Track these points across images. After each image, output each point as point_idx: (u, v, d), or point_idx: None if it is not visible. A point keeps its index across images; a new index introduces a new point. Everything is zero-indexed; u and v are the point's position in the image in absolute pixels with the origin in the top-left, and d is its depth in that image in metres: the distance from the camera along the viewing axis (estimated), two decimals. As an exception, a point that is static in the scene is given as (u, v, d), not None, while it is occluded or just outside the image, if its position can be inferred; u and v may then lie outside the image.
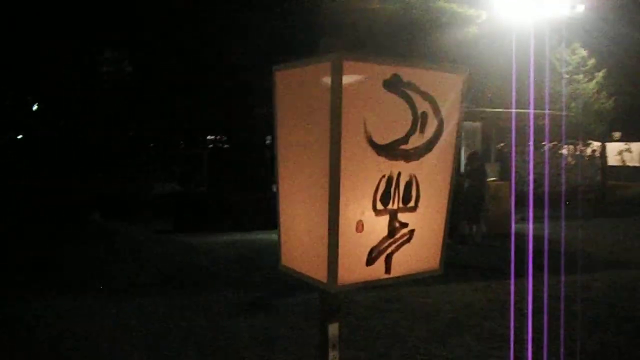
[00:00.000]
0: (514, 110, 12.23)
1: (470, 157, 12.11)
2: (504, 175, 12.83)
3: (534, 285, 8.36)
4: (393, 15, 14.19)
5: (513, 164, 13.02)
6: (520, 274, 8.67)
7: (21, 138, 20.93)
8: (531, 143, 13.59)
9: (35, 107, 22.71)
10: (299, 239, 2.70)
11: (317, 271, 2.50)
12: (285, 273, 2.79)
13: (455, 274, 9.62)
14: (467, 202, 11.53)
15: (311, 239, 2.53)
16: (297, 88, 2.67)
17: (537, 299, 7.60)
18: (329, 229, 2.37)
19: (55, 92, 20.43)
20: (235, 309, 7.73)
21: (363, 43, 13.74)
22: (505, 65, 13.70)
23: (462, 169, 12.07)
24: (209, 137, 17.64)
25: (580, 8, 15.63)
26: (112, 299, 8.09)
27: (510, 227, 12.82)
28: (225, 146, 17.48)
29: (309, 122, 2.53)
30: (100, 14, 16.76)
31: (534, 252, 9.33)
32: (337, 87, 2.24)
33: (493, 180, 12.34)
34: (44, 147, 19.56)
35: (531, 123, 11.32)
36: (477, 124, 12.78)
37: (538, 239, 10.76)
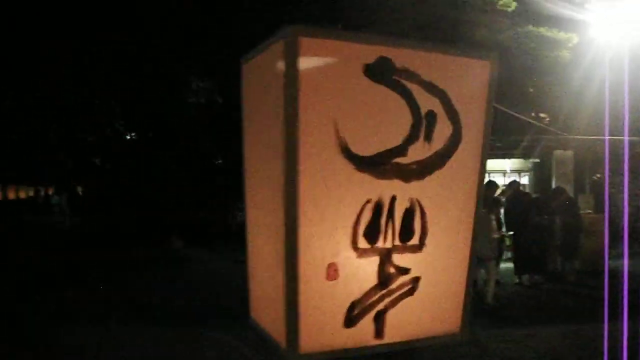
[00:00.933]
0: (607, 137, 10.90)
1: (555, 192, 10.91)
2: (599, 207, 11.43)
3: (629, 330, 7.10)
4: (478, 39, 13.24)
5: (607, 195, 11.59)
6: (615, 316, 7.39)
7: (110, 167, 21.35)
8: (626, 172, 12.12)
9: (128, 137, 23.28)
10: (261, 285, 1.99)
11: (278, 331, 1.77)
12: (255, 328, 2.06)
13: (541, 316, 8.43)
14: (564, 238, 10.31)
15: (272, 287, 1.82)
16: (259, 80, 2.03)
17: (633, 345, 6.38)
18: (285, 274, 1.66)
19: (148, 122, 20.77)
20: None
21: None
22: (601, 90, 12.28)
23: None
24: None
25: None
26: (163, 328, 7.65)
27: (604, 263, 11.46)
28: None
29: (267, 124, 1.85)
30: (190, 45, 16.75)
31: (630, 292, 8.01)
32: (291, 74, 1.55)
33: (587, 214, 10.96)
34: (132, 175, 19.82)
35: (626, 151, 10.00)
36: (569, 153, 11.53)
37: (635, 277, 9.33)
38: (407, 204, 1.73)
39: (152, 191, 18.86)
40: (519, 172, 13.49)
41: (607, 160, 10.92)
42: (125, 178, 20.52)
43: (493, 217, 8.96)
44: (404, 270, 1.75)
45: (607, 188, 12.20)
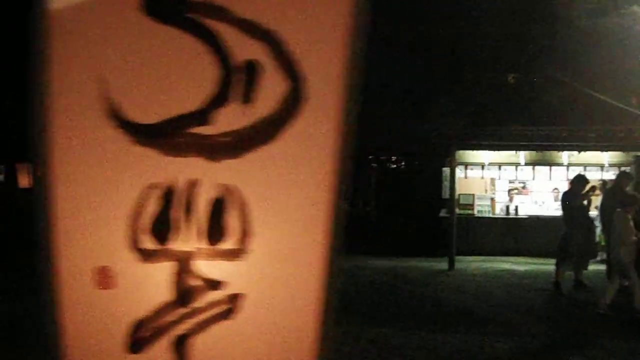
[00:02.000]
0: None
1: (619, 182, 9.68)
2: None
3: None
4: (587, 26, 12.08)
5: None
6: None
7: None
8: None
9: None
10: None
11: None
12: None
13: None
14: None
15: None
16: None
17: None
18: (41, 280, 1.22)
19: None
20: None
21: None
22: None
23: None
24: (381, 157, 16.61)
25: None
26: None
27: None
28: (394, 166, 16.34)
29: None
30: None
31: None
32: (37, 14, 1.11)
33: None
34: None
35: None
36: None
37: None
38: (215, 192, 1.21)
39: None
40: (618, 166, 12.05)
41: None
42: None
43: (630, 216, 7.92)
44: (214, 284, 1.22)
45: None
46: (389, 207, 15.00)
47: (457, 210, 13.16)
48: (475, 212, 13.25)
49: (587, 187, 9.50)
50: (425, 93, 14.67)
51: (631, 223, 7.73)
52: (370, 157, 16.36)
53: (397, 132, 14.36)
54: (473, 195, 13.35)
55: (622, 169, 11.35)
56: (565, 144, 11.82)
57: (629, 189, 9.72)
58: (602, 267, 10.11)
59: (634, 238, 7.71)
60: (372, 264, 12.32)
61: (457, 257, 12.07)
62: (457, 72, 13.75)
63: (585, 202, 9.46)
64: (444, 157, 12.28)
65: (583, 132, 11.51)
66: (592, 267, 10.27)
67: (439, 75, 14.00)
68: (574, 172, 11.30)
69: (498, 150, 12.63)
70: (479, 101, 13.15)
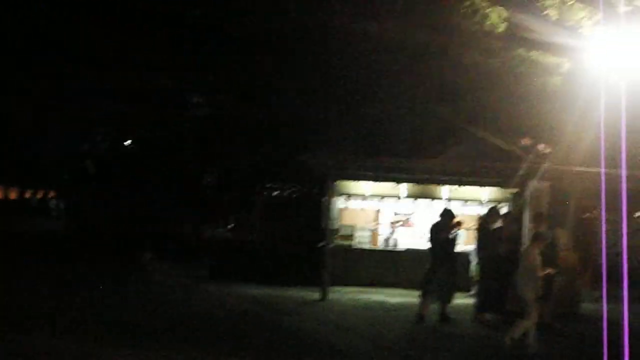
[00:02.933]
0: (594, 169, 9.68)
1: (491, 214, 9.98)
2: (578, 244, 10.25)
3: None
4: (472, 65, 12.24)
5: (603, 231, 10.39)
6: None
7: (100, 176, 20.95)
8: (624, 207, 10.83)
9: (127, 143, 23.03)
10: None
11: None
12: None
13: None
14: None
15: None
16: None
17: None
18: None
19: (146, 131, 20.62)
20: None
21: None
22: (598, 120, 11.00)
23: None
24: (267, 185, 16.40)
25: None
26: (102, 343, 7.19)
27: (580, 306, 10.23)
28: (276, 193, 16.15)
29: None
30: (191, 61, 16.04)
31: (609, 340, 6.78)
32: None
33: (561, 250, 9.68)
34: (119, 186, 19.47)
35: (623, 184, 8.78)
36: (545, 184, 10.32)
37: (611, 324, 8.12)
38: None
39: (134, 203, 18.73)
40: (497, 202, 12.37)
41: (603, 194, 9.73)
42: (112, 188, 20.27)
43: (537, 251, 7.86)
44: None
45: (603, 224, 10.96)
46: (272, 236, 14.77)
47: (337, 241, 13.07)
48: (355, 243, 13.18)
49: (454, 222, 9.58)
50: (314, 123, 14.62)
51: (539, 259, 7.68)
52: (256, 185, 16.14)
53: (281, 162, 14.23)
54: (353, 226, 13.32)
55: (497, 205, 11.55)
56: (443, 177, 11.97)
57: (499, 224, 9.88)
58: (472, 300, 10.17)
59: (541, 274, 7.66)
60: (247, 292, 12.03)
61: (335, 288, 11.92)
62: (344, 104, 13.76)
63: (450, 236, 9.51)
64: (326, 187, 12.18)
65: (461, 167, 11.70)
66: (463, 300, 10.32)
67: (326, 105, 13.99)
68: (455, 206, 11.41)
69: (376, 181, 12.68)
70: (363, 132, 13.19)
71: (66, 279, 12.54)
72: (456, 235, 9.67)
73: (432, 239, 9.59)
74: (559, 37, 9.41)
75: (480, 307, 9.65)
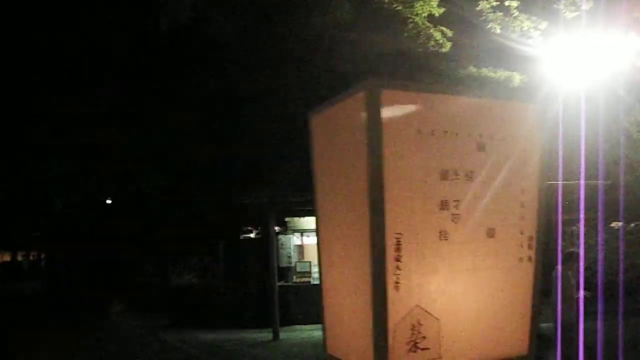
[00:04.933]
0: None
1: None
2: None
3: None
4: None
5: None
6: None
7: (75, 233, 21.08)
8: (582, 221, 10.76)
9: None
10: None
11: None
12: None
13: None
14: None
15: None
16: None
17: None
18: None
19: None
20: None
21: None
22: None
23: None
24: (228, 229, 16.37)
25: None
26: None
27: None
28: (239, 237, 16.16)
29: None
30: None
31: None
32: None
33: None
34: (93, 243, 19.56)
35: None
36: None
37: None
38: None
39: (106, 259, 18.94)
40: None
41: (559, 207, 9.65)
42: (83, 246, 20.42)
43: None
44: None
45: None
46: (232, 278, 14.75)
47: (295, 279, 13.02)
48: (312, 280, 13.09)
49: None
50: (255, 165, 14.48)
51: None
52: (218, 230, 16.11)
53: (236, 203, 14.21)
54: (310, 262, 13.22)
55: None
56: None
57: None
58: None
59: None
60: (202, 337, 11.98)
61: (293, 327, 11.83)
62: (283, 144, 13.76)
63: None
64: (265, 224, 12.21)
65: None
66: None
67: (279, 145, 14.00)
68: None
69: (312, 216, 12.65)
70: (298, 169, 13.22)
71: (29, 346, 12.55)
72: None
73: None
74: (507, 51, 9.32)
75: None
